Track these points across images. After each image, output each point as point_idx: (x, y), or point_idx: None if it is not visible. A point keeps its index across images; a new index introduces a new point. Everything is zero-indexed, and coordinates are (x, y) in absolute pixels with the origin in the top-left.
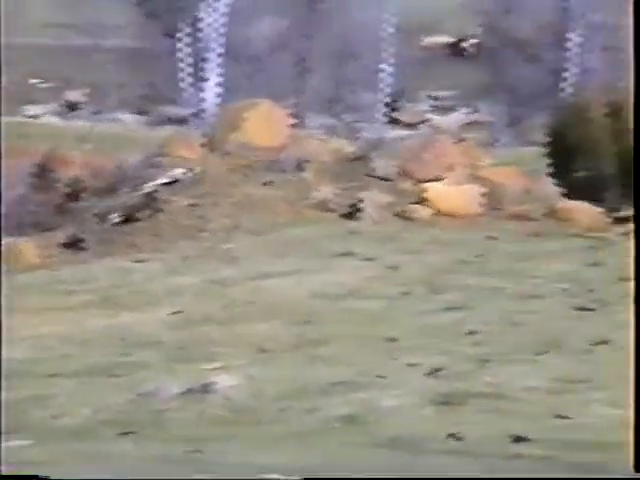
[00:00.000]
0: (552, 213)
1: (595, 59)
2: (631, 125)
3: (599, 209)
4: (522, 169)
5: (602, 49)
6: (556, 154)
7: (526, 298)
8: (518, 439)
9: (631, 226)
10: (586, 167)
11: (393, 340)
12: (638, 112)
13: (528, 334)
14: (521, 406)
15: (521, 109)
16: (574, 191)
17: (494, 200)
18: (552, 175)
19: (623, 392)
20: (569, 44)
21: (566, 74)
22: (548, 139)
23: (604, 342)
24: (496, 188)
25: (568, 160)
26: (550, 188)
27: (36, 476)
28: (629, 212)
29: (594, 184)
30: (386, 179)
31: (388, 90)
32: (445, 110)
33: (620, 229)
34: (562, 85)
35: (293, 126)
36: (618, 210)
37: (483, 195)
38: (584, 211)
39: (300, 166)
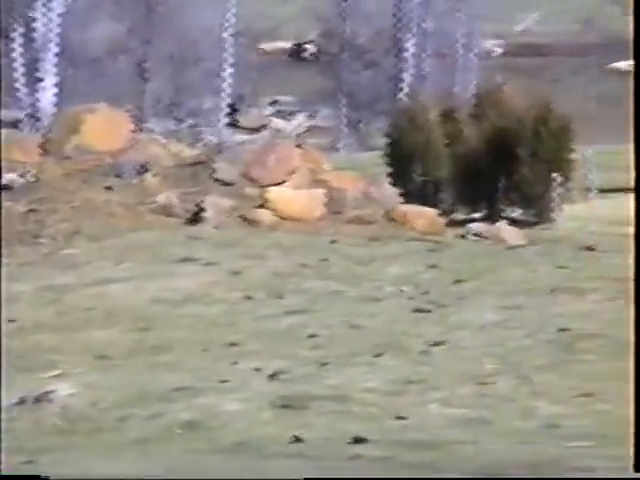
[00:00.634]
0: (391, 217)
1: (429, 65)
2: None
3: (435, 212)
4: (362, 173)
5: (435, 55)
6: (394, 158)
7: (366, 301)
8: (357, 440)
9: (469, 228)
10: (423, 172)
11: (234, 345)
12: (638, 112)
13: (367, 336)
14: (361, 408)
15: (360, 114)
16: (412, 195)
17: (335, 204)
18: (391, 179)
19: (458, 392)
20: (404, 50)
21: (402, 79)
22: (386, 144)
23: (440, 343)
24: (337, 192)
25: (406, 164)
26: (389, 192)
27: (37, 476)
28: (463, 215)
29: (431, 188)
30: (228, 183)
31: (229, 94)
32: (286, 115)
33: (455, 232)
34: (399, 90)
35: (133, 130)
36: (453, 213)
37: (324, 199)
38: (422, 214)
39: (141, 170)
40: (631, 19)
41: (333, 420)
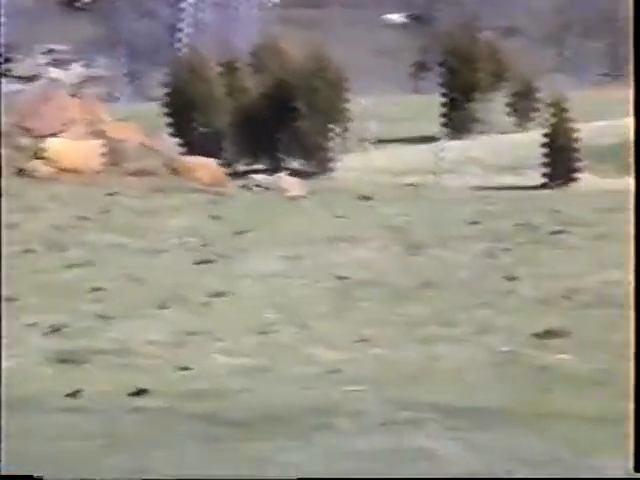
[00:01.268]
0: (173, 169)
1: (208, 15)
2: (247, 83)
3: (217, 164)
4: (142, 125)
5: (215, 6)
6: (175, 110)
7: (149, 253)
8: (139, 392)
9: (251, 179)
10: (204, 123)
11: (12, 300)
12: (638, 112)
13: (150, 289)
14: (144, 360)
15: (139, 64)
16: (194, 147)
17: (114, 156)
18: (172, 131)
19: (241, 341)
20: (182, 1)
21: (181, 29)
22: (166, 95)
23: (223, 294)
24: (116, 144)
25: (186, 116)
26: (170, 143)
27: (35, 477)
28: (245, 166)
29: (212, 140)
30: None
31: (0, 42)
32: (62, 64)
33: (237, 183)
34: (178, 40)
35: None
36: (235, 164)
37: (103, 151)
38: (204, 166)
39: None
40: None
41: (115, 373)
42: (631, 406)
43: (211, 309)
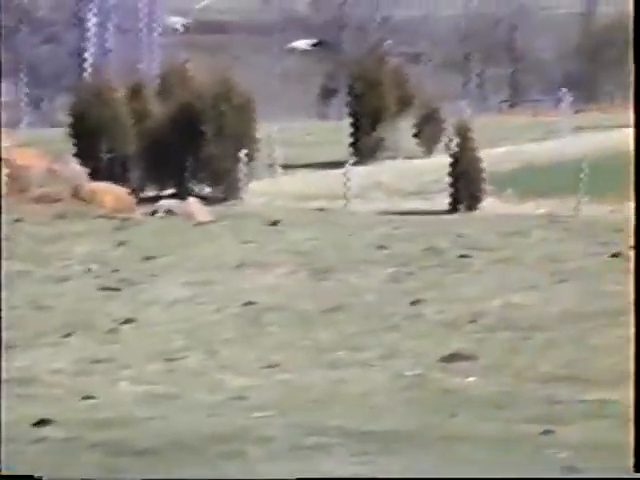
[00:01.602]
0: (78, 194)
1: (113, 40)
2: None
3: (124, 190)
4: (47, 150)
5: (120, 31)
6: (80, 135)
7: (53, 281)
8: (42, 422)
9: (159, 205)
10: (110, 148)
11: None
12: (638, 114)
13: (55, 317)
14: (48, 390)
15: (43, 90)
16: (100, 172)
17: (19, 182)
18: (77, 156)
19: (148, 369)
20: (86, 24)
21: (85, 54)
22: (71, 120)
23: (130, 321)
24: (20, 170)
25: (92, 141)
26: (76, 169)
27: (35, 477)
28: (153, 192)
29: (119, 165)
30: None
31: None
32: None
33: (146, 209)
34: (82, 65)
35: None
36: (143, 190)
37: (7, 177)
38: (110, 192)
39: None
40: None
41: (18, 403)
42: (535, 428)
43: (117, 336)
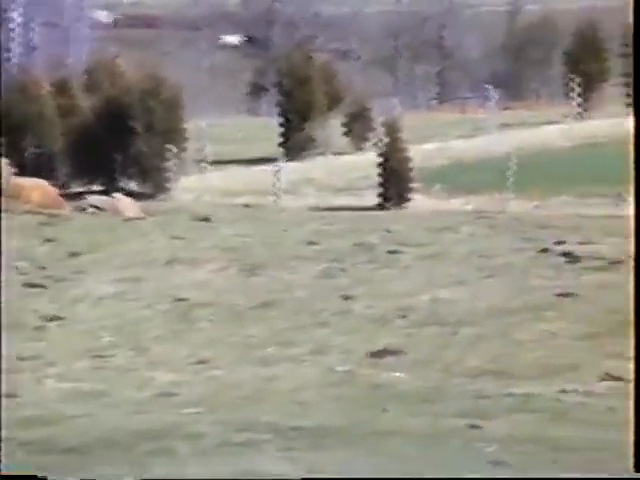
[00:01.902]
0: (4, 190)
1: (39, 35)
2: (80, 102)
3: (51, 185)
4: None
5: (46, 25)
6: (5, 131)
7: None
8: None
9: (86, 200)
10: (36, 144)
11: None
12: (638, 114)
13: None
14: None
15: None
16: (26, 168)
17: None
18: (3, 153)
19: (75, 366)
20: (11, 20)
21: (10, 50)
22: None
23: (55, 318)
24: None
25: (17, 137)
26: (1, 165)
27: (36, 476)
28: (81, 188)
29: (45, 161)
30: None
31: None
32: None
33: (73, 204)
34: (7, 61)
35: None
36: (70, 186)
37: None
38: (36, 188)
39: None
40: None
41: None
42: (463, 422)
43: (44, 334)
